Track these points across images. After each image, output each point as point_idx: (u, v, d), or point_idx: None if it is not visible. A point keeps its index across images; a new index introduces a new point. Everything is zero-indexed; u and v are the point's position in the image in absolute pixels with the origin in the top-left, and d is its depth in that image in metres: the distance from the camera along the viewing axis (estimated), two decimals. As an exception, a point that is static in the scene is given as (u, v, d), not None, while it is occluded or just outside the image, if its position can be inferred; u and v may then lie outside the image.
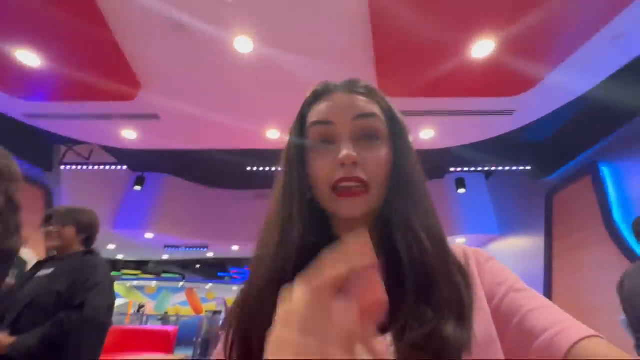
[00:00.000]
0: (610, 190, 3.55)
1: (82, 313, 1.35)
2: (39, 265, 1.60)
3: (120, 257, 9.73)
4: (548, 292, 4.30)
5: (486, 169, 4.78)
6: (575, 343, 0.31)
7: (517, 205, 5.35)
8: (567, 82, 2.62)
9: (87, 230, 1.66)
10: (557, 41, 2.35)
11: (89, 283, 1.44)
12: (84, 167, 4.91)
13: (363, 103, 0.45)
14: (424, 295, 0.36)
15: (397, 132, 0.46)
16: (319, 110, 0.46)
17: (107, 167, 5.07)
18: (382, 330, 0.35)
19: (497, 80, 2.77)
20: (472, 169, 4.78)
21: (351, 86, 0.47)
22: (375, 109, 0.45)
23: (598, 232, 3.58)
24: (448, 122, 3.39)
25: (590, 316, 3.43)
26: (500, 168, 4.67)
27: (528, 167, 4.56)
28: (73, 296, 1.41)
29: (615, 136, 3.57)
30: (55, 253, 1.63)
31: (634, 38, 2.19)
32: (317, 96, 0.48)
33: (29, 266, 1.67)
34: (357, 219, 0.42)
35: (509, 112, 3.15)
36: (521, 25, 2.23)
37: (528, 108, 3.06)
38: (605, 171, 3.65)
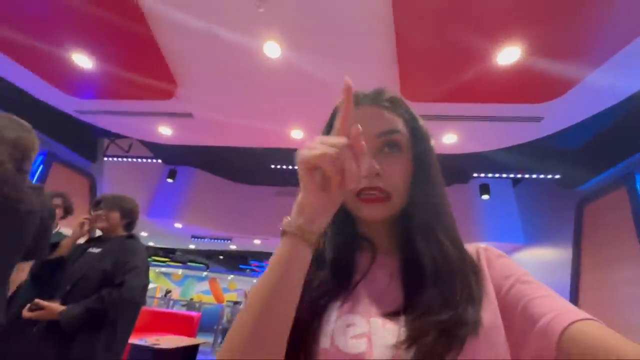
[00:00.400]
0: (647, 204, 3.35)
1: (121, 292, 1.53)
2: (89, 242, 1.82)
3: (151, 243, 10.35)
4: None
5: (512, 176, 4.64)
6: (570, 325, 0.33)
7: (546, 214, 5.14)
8: (598, 91, 2.52)
9: (129, 216, 1.87)
10: (588, 50, 2.28)
11: (128, 265, 1.61)
12: (124, 159, 5.32)
13: (387, 118, 0.48)
14: (439, 290, 0.39)
15: (418, 142, 0.49)
16: None
17: (144, 160, 5.46)
18: (397, 313, 0.39)
19: (524, 87, 2.72)
20: (497, 175, 4.66)
21: (377, 98, 0.50)
22: (398, 123, 0.48)
23: (631, 248, 3.39)
24: (471, 127, 3.36)
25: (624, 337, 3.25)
26: (527, 176, 4.52)
27: (558, 176, 4.38)
28: (115, 275, 1.61)
29: (655, 147, 3.36)
30: (100, 233, 1.86)
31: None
32: None
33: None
34: (378, 220, 0.46)
35: (537, 119, 3.07)
36: (550, 34, 2.19)
37: (557, 116, 2.97)
38: (642, 183, 3.45)
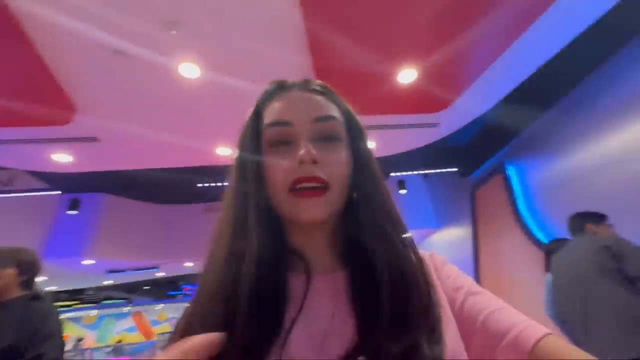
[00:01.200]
0: (515, 186, 4.30)
1: None
2: None
3: (53, 288, 8.67)
4: (477, 273, 5.01)
5: (422, 172, 5.40)
6: (538, 340, 0.33)
7: (450, 201, 6.10)
8: (474, 101, 3.19)
9: (29, 271, 1.60)
10: (463, 70, 2.87)
11: (41, 335, 1.40)
12: (6, 195, 4.39)
13: (322, 104, 0.43)
14: (397, 310, 0.33)
15: (356, 134, 0.44)
16: (276, 110, 0.42)
17: (35, 193, 4.59)
18: (355, 351, 0.32)
19: (421, 100, 3.23)
20: (409, 172, 5.37)
21: (307, 84, 0.45)
22: (334, 110, 0.43)
23: (509, 222, 4.30)
24: (385, 134, 3.80)
25: (512, 290, 4.15)
26: (433, 171, 5.33)
27: (454, 169, 5.28)
28: (26, 348, 1.37)
29: (517, 141, 4.35)
30: None
31: (518, 68, 2.85)
32: (272, 94, 0.45)
33: None
34: (316, 223, 0.38)
35: (434, 125, 3.66)
36: (437, 58, 2.67)
37: (448, 122, 3.60)
38: (511, 170, 4.41)
